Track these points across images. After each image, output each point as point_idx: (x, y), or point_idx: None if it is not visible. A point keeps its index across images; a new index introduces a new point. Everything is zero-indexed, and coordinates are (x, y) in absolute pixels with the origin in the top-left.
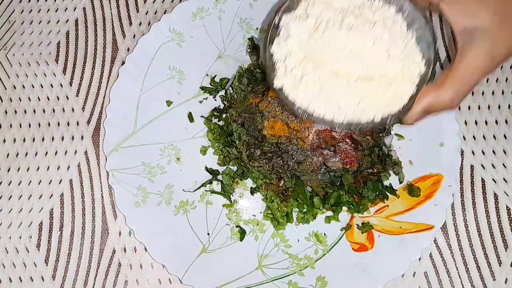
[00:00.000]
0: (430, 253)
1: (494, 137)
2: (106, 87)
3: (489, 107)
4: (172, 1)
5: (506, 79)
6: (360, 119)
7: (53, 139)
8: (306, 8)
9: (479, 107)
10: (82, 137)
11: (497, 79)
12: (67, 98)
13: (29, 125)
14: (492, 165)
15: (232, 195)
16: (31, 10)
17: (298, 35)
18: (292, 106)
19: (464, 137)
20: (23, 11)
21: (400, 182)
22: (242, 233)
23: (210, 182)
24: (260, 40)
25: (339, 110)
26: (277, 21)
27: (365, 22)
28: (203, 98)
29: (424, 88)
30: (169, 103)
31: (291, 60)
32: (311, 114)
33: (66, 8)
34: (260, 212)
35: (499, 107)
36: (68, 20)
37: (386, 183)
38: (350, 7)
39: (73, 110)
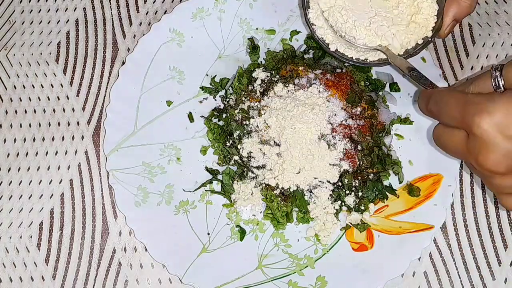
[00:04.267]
0: (430, 253)
1: None
2: (107, 87)
3: None
4: (172, 1)
5: None
6: (412, 45)
7: (53, 139)
8: None
9: None
10: (82, 137)
11: None
12: (68, 98)
13: (30, 125)
14: None
15: (232, 195)
16: (32, 10)
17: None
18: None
19: None
20: (23, 11)
21: (400, 182)
22: (242, 233)
23: (210, 182)
24: (260, 40)
25: (394, 45)
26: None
27: None
28: (203, 98)
29: (446, 2)
30: (169, 103)
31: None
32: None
33: (67, 8)
34: (260, 212)
35: None
36: (68, 20)
37: (386, 183)
38: None
39: (73, 110)
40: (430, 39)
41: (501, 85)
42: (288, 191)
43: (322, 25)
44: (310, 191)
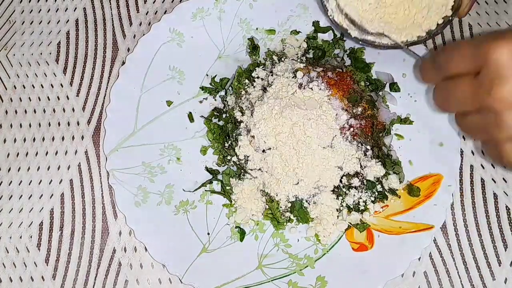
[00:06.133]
0: (430, 253)
1: None
2: (107, 87)
3: None
4: (172, 1)
5: None
6: (432, 27)
7: (53, 139)
8: None
9: None
10: (82, 137)
11: None
12: (68, 98)
13: (30, 125)
14: (492, 165)
15: (232, 195)
16: (32, 10)
17: None
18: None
19: (463, 137)
20: (23, 11)
21: (400, 182)
22: (242, 233)
23: (210, 182)
24: (260, 40)
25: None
26: None
27: None
28: (203, 98)
29: None
30: (169, 103)
31: None
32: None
33: (67, 8)
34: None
35: None
36: (68, 20)
37: None
38: None
39: (73, 110)
40: (450, 18)
41: None
42: (288, 201)
43: (338, 13)
44: (310, 198)
